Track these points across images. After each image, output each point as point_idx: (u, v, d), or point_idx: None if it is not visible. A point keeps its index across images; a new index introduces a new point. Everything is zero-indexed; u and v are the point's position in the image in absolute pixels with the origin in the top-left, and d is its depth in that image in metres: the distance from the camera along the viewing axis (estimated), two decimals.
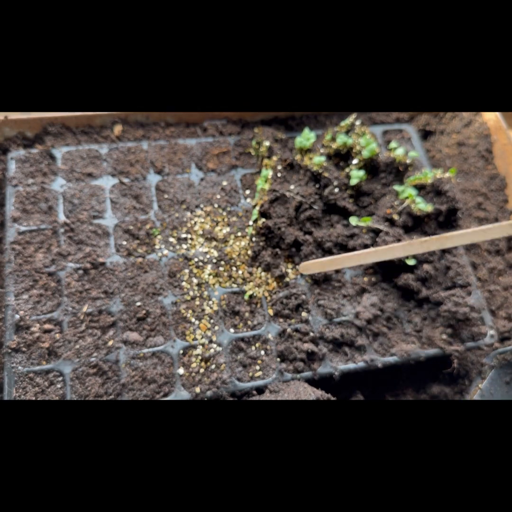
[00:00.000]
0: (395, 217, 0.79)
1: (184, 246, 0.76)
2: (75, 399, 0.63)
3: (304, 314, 0.73)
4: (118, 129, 0.86)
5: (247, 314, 0.72)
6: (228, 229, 0.79)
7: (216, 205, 0.81)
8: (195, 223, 0.79)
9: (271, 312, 0.73)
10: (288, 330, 0.71)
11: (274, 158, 0.82)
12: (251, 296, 0.73)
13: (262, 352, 0.70)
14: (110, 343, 0.67)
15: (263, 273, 0.75)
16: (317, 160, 0.80)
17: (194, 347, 0.68)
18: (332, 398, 0.64)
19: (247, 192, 0.84)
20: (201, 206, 0.81)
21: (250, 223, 0.79)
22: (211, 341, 0.69)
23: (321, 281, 0.75)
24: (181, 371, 0.66)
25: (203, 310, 0.71)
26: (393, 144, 0.88)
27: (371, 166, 0.83)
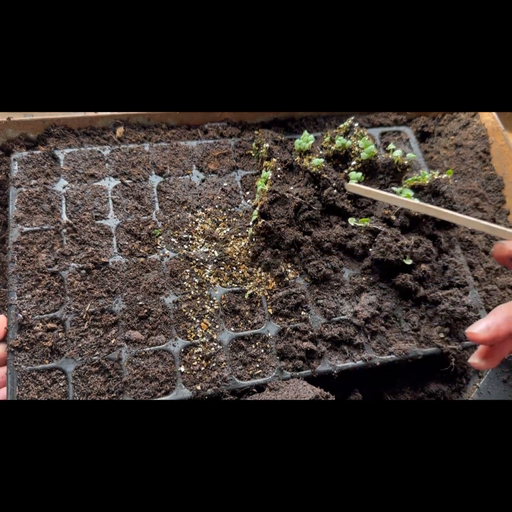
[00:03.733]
0: (393, 217, 0.80)
1: (185, 246, 0.77)
2: (77, 397, 0.64)
3: (303, 313, 0.74)
4: (120, 130, 0.86)
5: (247, 313, 0.73)
6: (228, 229, 0.80)
7: (216, 206, 0.82)
8: (196, 223, 0.80)
9: (270, 311, 0.74)
10: (288, 329, 0.72)
11: (274, 159, 0.83)
12: (251, 296, 0.74)
13: (262, 351, 0.71)
14: (112, 341, 0.68)
15: (263, 273, 0.76)
16: (316, 162, 0.81)
17: (195, 345, 0.69)
18: (331, 396, 0.65)
19: (247, 193, 0.85)
20: (202, 207, 0.81)
21: (250, 223, 0.80)
22: (212, 340, 0.70)
23: (320, 280, 0.76)
24: (182, 369, 0.67)
25: (204, 309, 0.72)
26: (391, 146, 0.89)
27: (369, 168, 0.84)
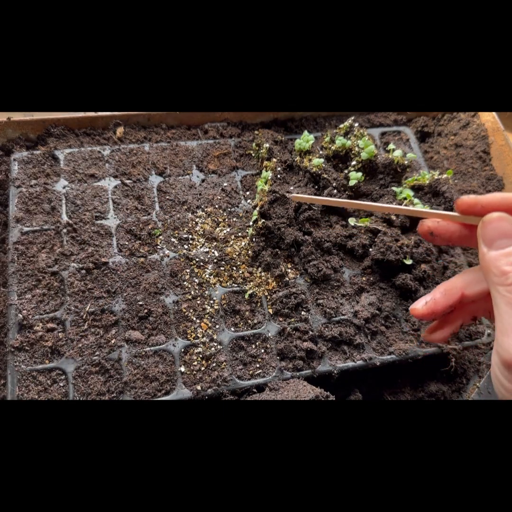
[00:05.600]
0: (393, 217, 0.80)
1: (185, 246, 0.77)
2: (77, 397, 0.64)
3: (303, 313, 0.74)
4: (120, 131, 0.86)
5: (247, 313, 0.73)
6: (228, 229, 0.80)
7: (217, 206, 0.82)
8: (196, 223, 0.80)
9: (271, 311, 0.74)
10: (288, 329, 0.72)
11: (274, 159, 0.83)
12: (251, 296, 0.74)
13: (262, 351, 0.71)
14: (113, 341, 0.68)
15: (263, 273, 0.76)
16: (316, 162, 0.81)
17: (195, 345, 0.69)
18: (331, 396, 0.65)
19: (248, 193, 0.85)
20: (202, 207, 0.82)
21: (250, 223, 0.80)
22: (212, 340, 0.70)
23: (320, 280, 0.76)
24: (182, 369, 0.67)
25: (204, 309, 0.72)
26: (391, 146, 0.89)
27: (370, 168, 0.84)
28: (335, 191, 0.81)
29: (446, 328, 0.48)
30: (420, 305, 0.45)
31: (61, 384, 0.64)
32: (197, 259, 0.76)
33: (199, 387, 0.66)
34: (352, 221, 0.80)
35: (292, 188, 0.81)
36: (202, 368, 0.68)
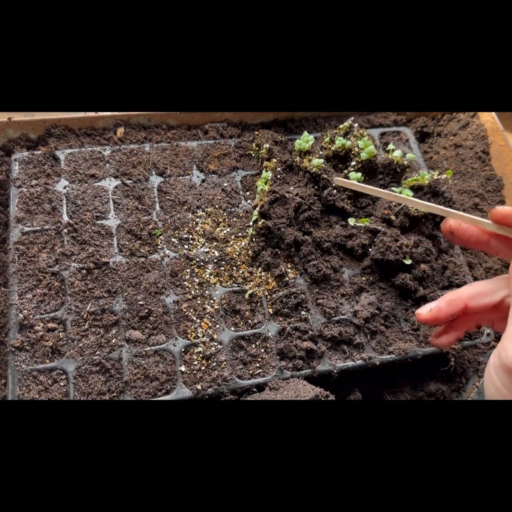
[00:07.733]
0: (393, 217, 0.80)
1: (186, 246, 0.77)
2: (78, 397, 0.64)
3: (303, 313, 0.74)
4: (120, 131, 0.87)
5: (247, 313, 0.73)
6: (228, 229, 0.80)
7: (217, 206, 0.82)
8: (197, 223, 0.80)
9: (271, 311, 0.74)
10: (288, 328, 0.72)
11: (274, 160, 0.83)
12: (251, 295, 0.74)
13: (262, 350, 0.71)
14: (113, 341, 0.68)
15: (263, 273, 0.76)
16: (316, 162, 0.82)
17: (196, 345, 0.69)
18: (331, 396, 0.65)
19: (248, 193, 0.85)
20: (203, 207, 0.82)
21: (251, 223, 0.80)
22: (212, 339, 0.70)
23: (320, 280, 0.76)
24: (183, 368, 0.67)
25: (204, 309, 0.72)
26: (390, 146, 0.89)
27: (369, 168, 0.84)
28: (335, 191, 0.81)
29: (451, 333, 0.51)
30: (424, 311, 0.48)
31: (62, 384, 0.65)
32: (197, 259, 0.76)
33: (199, 387, 0.66)
34: (351, 221, 0.81)
35: (291, 188, 0.81)
36: (202, 368, 0.68)
